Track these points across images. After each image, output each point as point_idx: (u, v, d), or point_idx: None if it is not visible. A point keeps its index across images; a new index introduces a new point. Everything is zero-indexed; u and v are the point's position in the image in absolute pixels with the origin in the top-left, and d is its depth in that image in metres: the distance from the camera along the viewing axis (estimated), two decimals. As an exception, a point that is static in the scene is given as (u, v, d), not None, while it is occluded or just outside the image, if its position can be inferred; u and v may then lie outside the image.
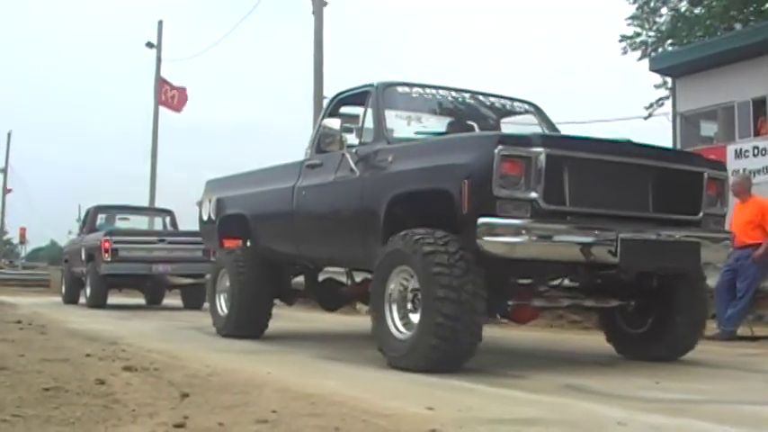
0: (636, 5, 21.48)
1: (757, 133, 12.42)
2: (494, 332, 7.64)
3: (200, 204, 8.02)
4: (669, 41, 20.93)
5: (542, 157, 4.43)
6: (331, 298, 7.48)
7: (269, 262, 7.01)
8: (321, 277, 7.59)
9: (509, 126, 6.46)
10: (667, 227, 4.89)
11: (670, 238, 4.85)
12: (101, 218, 15.18)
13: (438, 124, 6.37)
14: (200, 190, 8.18)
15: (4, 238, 51.54)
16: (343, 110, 6.21)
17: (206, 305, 8.75)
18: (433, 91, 6.28)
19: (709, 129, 14.41)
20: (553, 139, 5.04)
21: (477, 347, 4.58)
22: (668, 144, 13.79)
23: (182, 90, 25.49)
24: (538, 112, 6.54)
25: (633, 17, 21.56)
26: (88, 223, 14.90)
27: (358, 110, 5.94)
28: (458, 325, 4.41)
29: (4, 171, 43.53)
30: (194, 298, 13.11)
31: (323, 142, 6.08)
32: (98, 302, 13.00)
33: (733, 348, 6.95)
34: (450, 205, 4.61)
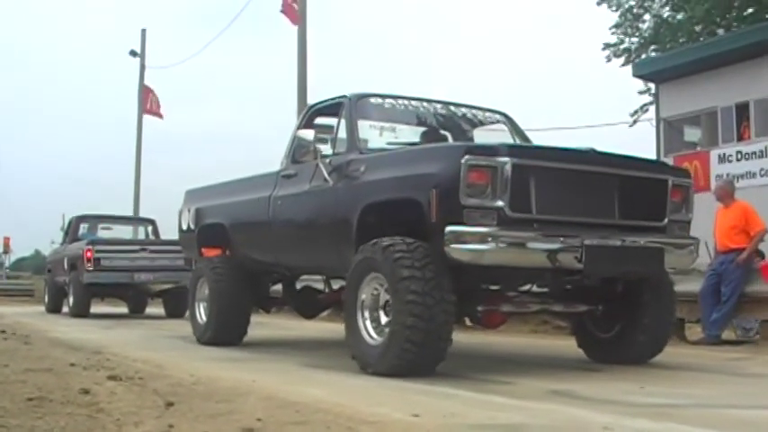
0: (619, 13, 21.56)
1: (741, 138, 12.43)
2: (477, 338, 7.69)
3: (179, 214, 8.11)
4: (652, 47, 20.97)
5: (508, 167, 4.53)
6: (309, 305, 7.57)
7: (247, 270, 7.10)
8: (299, 285, 7.69)
9: (482, 136, 6.57)
10: (633, 233, 4.99)
11: (634, 244, 4.96)
12: (83, 227, 15.24)
13: (411, 135, 6.47)
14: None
15: (-12, 247, 51.07)
16: (318, 120, 6.28)
17: (188, 314, 8.81)
18: (406, 102, 6.37)
19: (692, 134, 14.40)
20: (519, 149, 5.18)
21: (459, 353, 4.62)
22: (652, 150, 13.89)
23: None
24: (509, 121, 6.67)
25: (616, 25, 21.62)
26: (71, 233, 14.94)
27: (332, 120, 6.00)
28: (428, 328, 4.50)
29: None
30: (176, 307, 13.12)
31: (298, 152, 6.21)
32: (81, 311, 13.01)
33: (718, 352, 6.98)
34: (420, 214, 4.70)
